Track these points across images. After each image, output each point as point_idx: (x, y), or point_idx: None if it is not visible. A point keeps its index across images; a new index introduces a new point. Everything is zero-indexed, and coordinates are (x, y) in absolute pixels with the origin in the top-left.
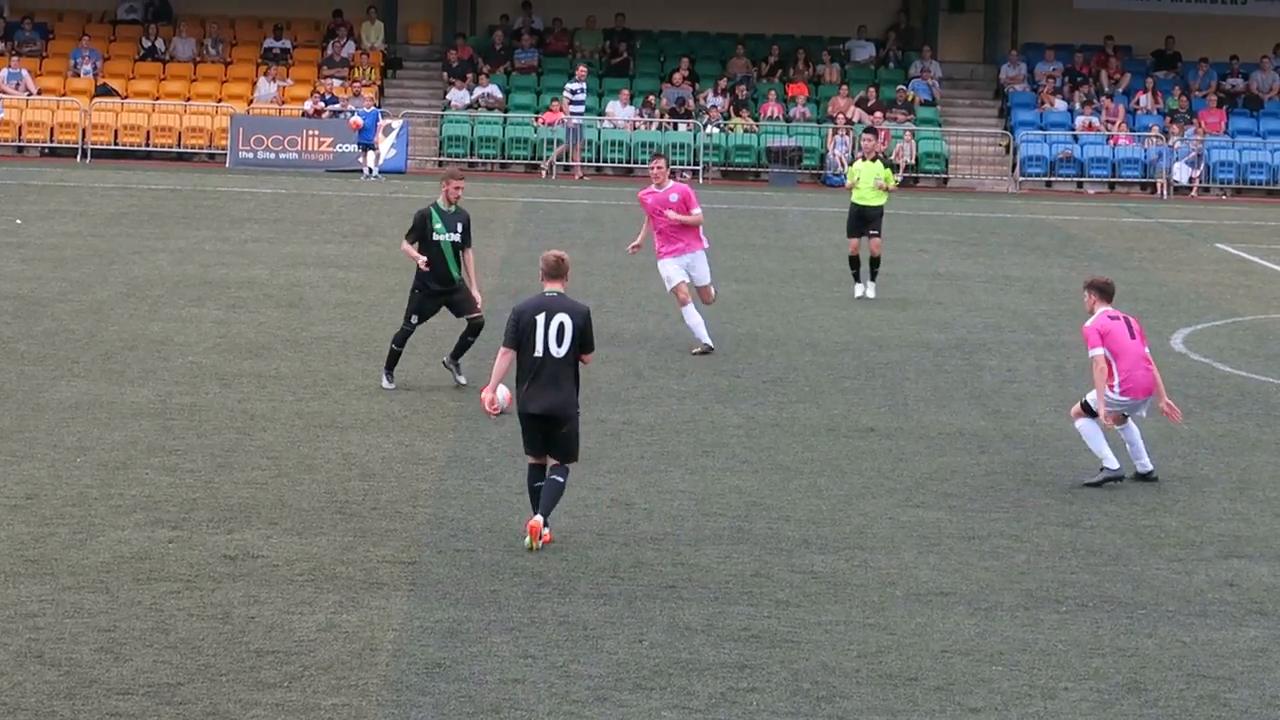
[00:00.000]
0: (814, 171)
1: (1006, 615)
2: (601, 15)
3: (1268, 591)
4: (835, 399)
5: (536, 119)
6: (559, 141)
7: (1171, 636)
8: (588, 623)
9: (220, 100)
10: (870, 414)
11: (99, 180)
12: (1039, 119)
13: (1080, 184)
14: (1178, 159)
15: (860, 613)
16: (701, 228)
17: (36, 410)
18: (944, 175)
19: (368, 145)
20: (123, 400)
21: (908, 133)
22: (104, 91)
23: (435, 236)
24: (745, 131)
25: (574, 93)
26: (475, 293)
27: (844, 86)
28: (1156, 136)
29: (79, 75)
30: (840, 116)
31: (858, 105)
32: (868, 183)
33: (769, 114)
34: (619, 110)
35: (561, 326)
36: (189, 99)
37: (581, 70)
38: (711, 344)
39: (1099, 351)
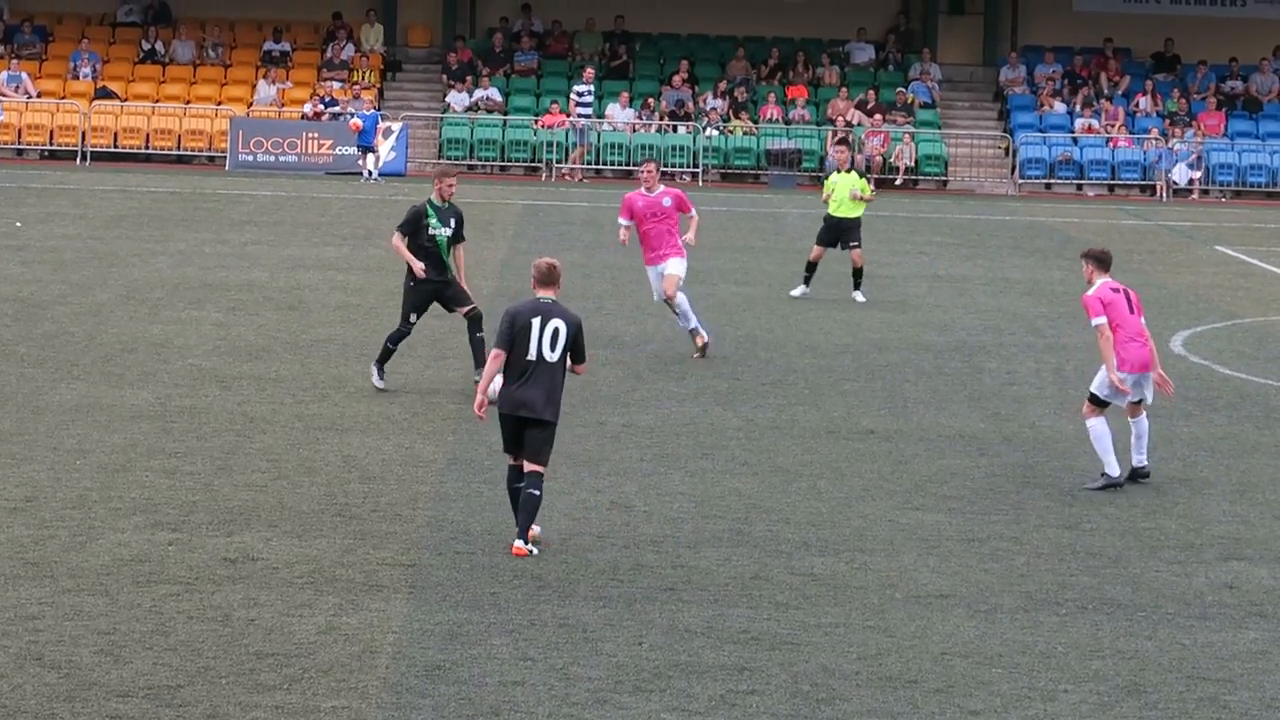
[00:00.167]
0: (813, 174)
1: (1006, 618)
2: (601, 18)
3: (1267, 594)
4: (835, 401)
5: (536, 122)
6: (574, 144)
7: (1171, 639)
8: (587, 625)
9: (220, 103)
10: (870, 416)
11: (99, 183)
12: (1038, 121)
13: (1080, 186)
14: (1178, 161)
15: (860, 615)
16: (683, 238)
17: (36, 413)
18: (943, 178)
19: (367, 148)
20: (122, 403)
21: (907, 135)
22: (103, 94)
23: (430, 232)
24: (745, 134)
25: (581, 94)
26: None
27: (843, 89)
28: (1156, 139)
29: (78, 78)
30: (840, 119)
31: (857, 108)
32: (844, 194)
33: (768, 116)
34: (618, 113)
35: (556, 332)
36: (189, 102)
37: (589, 72)
38: (704, 333)
39: (1101, 320)
